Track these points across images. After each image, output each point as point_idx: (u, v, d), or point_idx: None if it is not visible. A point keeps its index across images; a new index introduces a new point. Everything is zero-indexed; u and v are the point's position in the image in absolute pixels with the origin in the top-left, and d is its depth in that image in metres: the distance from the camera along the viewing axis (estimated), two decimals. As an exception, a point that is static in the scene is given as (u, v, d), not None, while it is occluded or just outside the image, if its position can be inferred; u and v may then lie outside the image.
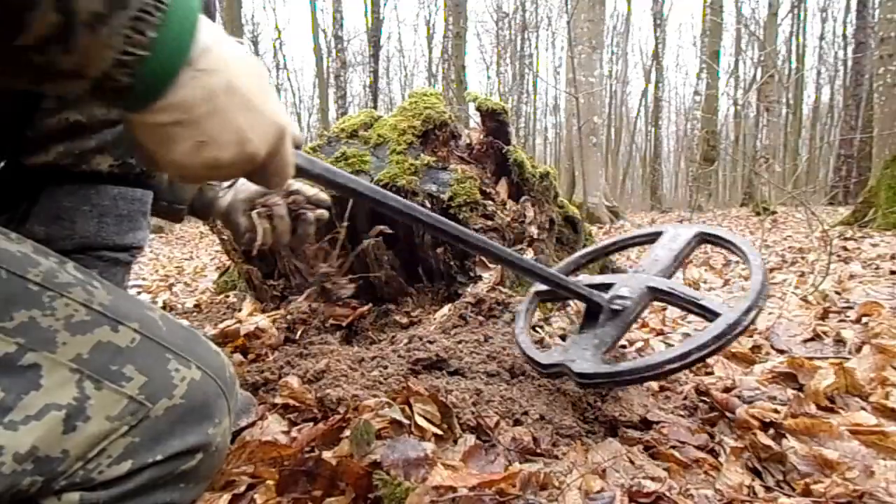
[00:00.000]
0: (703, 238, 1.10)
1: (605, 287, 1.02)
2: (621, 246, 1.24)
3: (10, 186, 0.65)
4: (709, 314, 0.88)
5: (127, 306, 0.58)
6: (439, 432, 0.80)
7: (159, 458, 0.54)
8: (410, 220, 0.77)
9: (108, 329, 0.54)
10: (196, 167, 0.49)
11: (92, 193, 0.70)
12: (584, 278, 1.07)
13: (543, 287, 1.10)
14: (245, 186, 1.06)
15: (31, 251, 0.56)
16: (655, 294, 0.98)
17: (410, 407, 0.83)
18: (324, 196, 1.11)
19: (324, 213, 1.10)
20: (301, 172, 0.63)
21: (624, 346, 1.25)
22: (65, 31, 0.37)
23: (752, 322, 0.85)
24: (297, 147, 0.61)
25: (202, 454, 0.58)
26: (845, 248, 3.10)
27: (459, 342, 1.20)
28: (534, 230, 1.67)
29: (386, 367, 1.06)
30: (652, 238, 1.16)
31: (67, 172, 0.67)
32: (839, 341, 1.26)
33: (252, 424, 0.84)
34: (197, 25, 0.44)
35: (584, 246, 2.07)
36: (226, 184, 1.06)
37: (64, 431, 0.49)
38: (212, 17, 0.75)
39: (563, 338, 1.20)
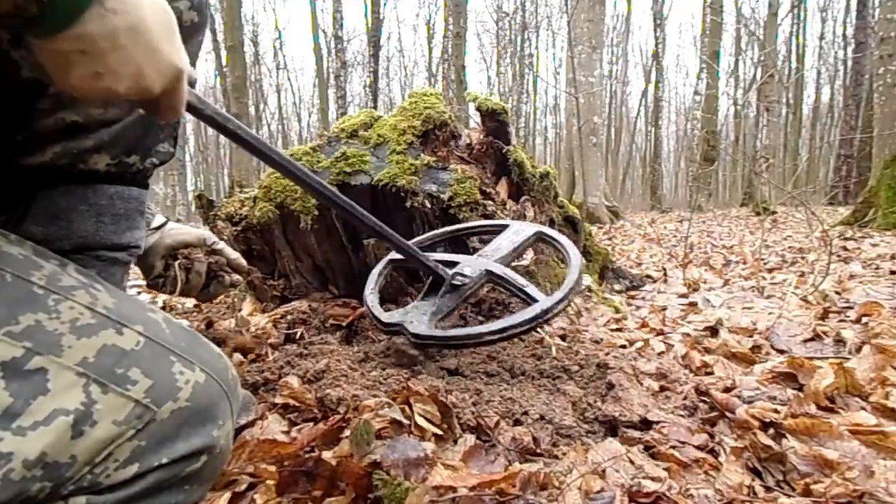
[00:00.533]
0: (540, 236, 1.29)
1: (451, 265, 1.16)
2: (471, 232, 1.41)
3: (7, 187, 0.65)
4: (529, 300, 1.05)
5: (130, 309, 0.58)
6: (439, 432, 0.80)
7: (165, 461, 0.54)
8: (289, 176, 0.84)
9: (112, 332, 0.54)
10: (91, 92, 0.51)
11: (89, 193, 0.70)
12: (434, 255, 1.21)
13: (398, 256, 1.25)
14: (172, 233, 1.10)
15: (33, 254, 0.56)
16: (491, 276, 1.13)
17: (410, 407, 0.83)
18: (243, 262, 1.18)
19: (238, 278, 1.18)
20: (192, 110, 0.67)
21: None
22: None
23: (562, 311, 1.03)
24: (192, 85, 0.65)
25: (207, 456, 0.58)
26: (845, 248, 3.10)
27: (459, 342, 1.20)
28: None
29: (385, 368, 1.06)
30: (498, 229, 1.33)
31: (64, 172, 0.67)
32: (839, 341, 1.26)
33: (252, 424, 0.84)
34: None
35: (585, 246, 2.07)
36: (154, 224, 1.09)
37: (72, 437, 0.49)
38: (204, 16, 0.76)
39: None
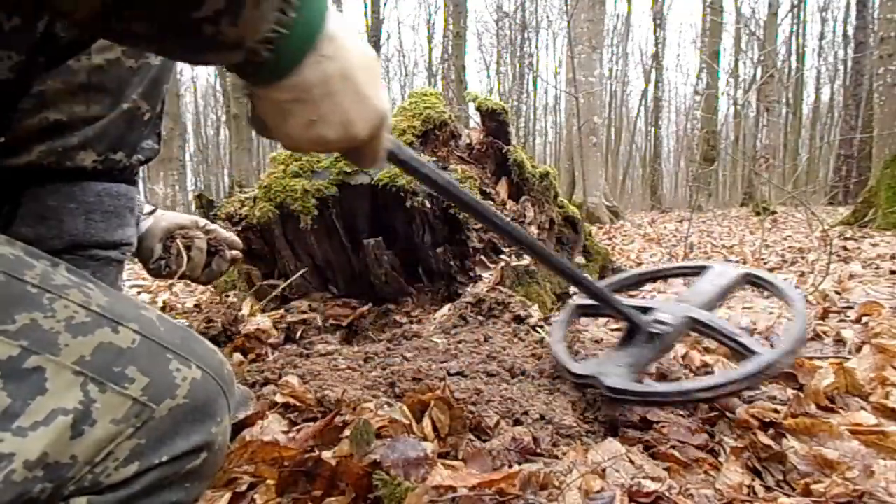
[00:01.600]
0: (749, 279, 1.14)
1: (645, 310, 1.04)
2: (667, 274, 1.31)
3: None
4: (746, 351, 0.91)
5: (123, 307, 0.58)
6: (442, 437, 0.80)
7: (165, 458, 0.54)
8: (484, 221, 0.80)
9: (108, 330, 0.54)
10: (304, 141, 0.53)
11: (76, 191, 0.70)
12: (625, 300, 1.09)
13: (585, 301, 1.14)
14: (166, 216, 1.11)
15: (24, 253, 0.56)
16: (695, 325, 1.00)
17: (422, 413, 0.82)
18: (237, 239, 1.17)
19: (238, 254, 1.16)
20: (391, 157, 0.67)
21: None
22: (236, 4, 0.40)
23: (788, 365, 0.88)
24: (389, 132, 0.65)
25: (206, 453, 0.58)
26: (845, 248, 3.10)
27: (459, 342, 1.20)
28: (534, 230, 1.67)
29: (386, 368, 1.06)
30: (698, 271, 1.21)
31: (51, 171, 0.67)
32: (839, 341, 1.26)
33: (252, 424, 0.84)
34: (327, 13, 0.48)
35: (584, 246, 2.07)
36: (147, 209, 1.10)
37: (72, 437, 0.49)
38: None
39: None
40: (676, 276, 1.32)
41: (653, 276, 1.32)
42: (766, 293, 1.14)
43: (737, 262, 2.99)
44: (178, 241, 1.07)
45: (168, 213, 1.13)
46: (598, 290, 0.98)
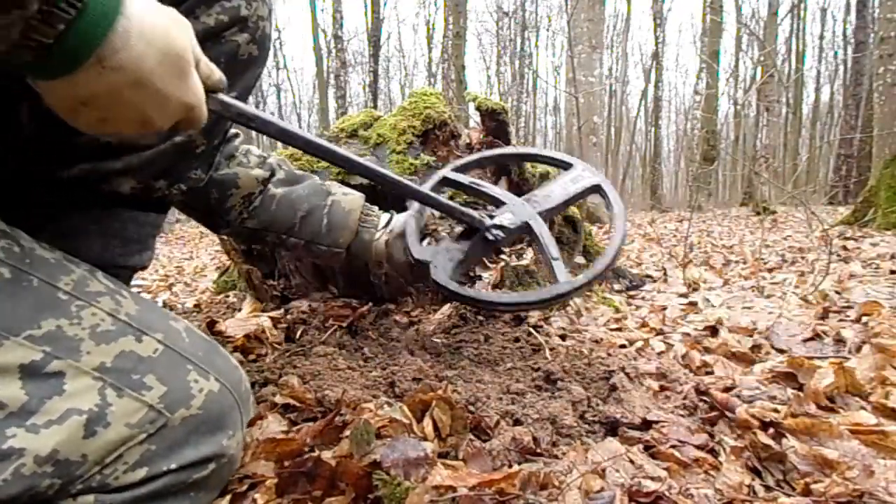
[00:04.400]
0: (597, 190, 1.12)
1: (499, 204, 1.07)
2: (531, 157, 1.30)
3: (25, 202, 0.65)
4: (553, 277, 0.98)
5: (152, 317, 0.59)
6: (447, 448, 0.80)
7: (174, 466, 0.55)
8: (315, 153, 0.81)
9: (132, 339, 0.56)
10: (100, 133, 0.52)
11: (102, 215, 0.70)
12: (486, 185, 1.12)
13: (450, 175, 1.16)
14: (397, 223, 1.15)
15: (63, 259, 0.57)
16: (529, 233, 1.03)
17: (422, 413, 0.82)
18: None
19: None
20: (220, 115, 0.66)
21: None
22: None
23: (579, 296, 0.91)
24: (219, 90, 0.63)
25: (215, 464, 0.59)
26: (845, 248, 3.10)
27: (459, 342, 1.20)
28: (534, 230, 1.67)
29: (386, 367, 1.06)
30: (562, 165, 1.20)
31: (87, 190, 0.67)
32: (839, 341, 1.26)
33: (252, 424, 0.84)
34: (110, 27, 0.45)
35: (584, 246, 2.07)
36: (380, 225, 1.16)
37: (84, 436, 0.50)
38: (265, 49, 0.76)
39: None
40: (540, 161, 1.31)
41: (512, 157, 1.30)
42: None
43: (736, 261, 2.99)
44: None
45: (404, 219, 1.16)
46: (430, 197, 0.97)
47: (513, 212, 1.04)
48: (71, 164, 0.64)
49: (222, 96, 0.64)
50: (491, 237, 1.00)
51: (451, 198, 1.12)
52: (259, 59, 0.76)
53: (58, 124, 0.61)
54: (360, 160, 0.86)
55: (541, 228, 1.02)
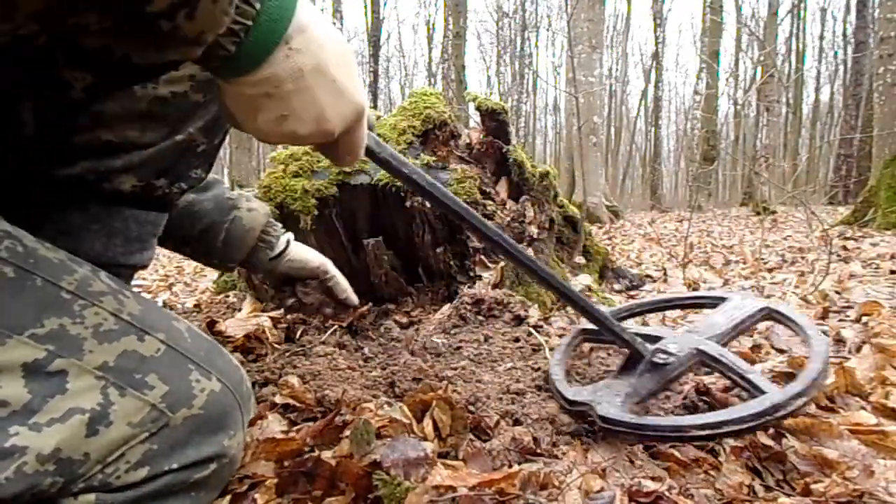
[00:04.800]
0: (770, 314, 1.05)
1: (654, 339, 0.99)
2: (681, 304, 1.24)
3: (26, 199, 0.65)
4: (754, 390, 0.84)
5: (155, 317, 0.60)
6: (446, 448, 0.80)
7: (175, 466, 0.55)
8: (466, 225, 0.79)
9: (134, 338, 0.56)
10: (275, 135, 0.52)
11: (103, 213, 0.70)
12: (633, 327, 1.05)
13: (590, 325, 1.06)
14: (291, 263, 1.20)
15: (67, 258, 0.57)
16: (703, 357, 0.94)
17: (422, 413, 0.82)
18: (353, 298, 1.30)
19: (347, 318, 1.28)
20: (369, 153, 0.64)
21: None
22: None
23: (799, 409, 0.79)
24: (370, 129, 0.62)
25: (216, 464, 0.59)
26: (845, 248, 3.10)
27: (460, 342, 1.20)
28: (534, 230, 1.67)
29: (386, 367, 1.06)
30: (715, 302, 1.13)
31: (88, 188, 0.67)
32: (839, 341, 1.26)
33: (252, 423, 0.84)
34: (296, 5, 0.46)
35: (584, 246, 2.07)
36: (277, 250, 1.17)
37: (87, 435, 0.50)
38: None
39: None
40: (691, 306, 1.23)
41: (666, 305, 1.23)
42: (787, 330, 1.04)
43: (736, 261, 2.99)
44: (289, 299, 1.25)
45: (296, 255, 1.22)
46: (597, 313, 0.92)
47: (675, 342, 0.97)
48: (72, 163, 0.64)
49: (375, 137, 0.64)
50: (660, 361, 0.92)
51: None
52: None
53: (59, 123, 0.61)
54: (520, 252, 0.84)
55: (718, 350, 0.94)
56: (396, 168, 0.70)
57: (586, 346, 1.20)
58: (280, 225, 1.21)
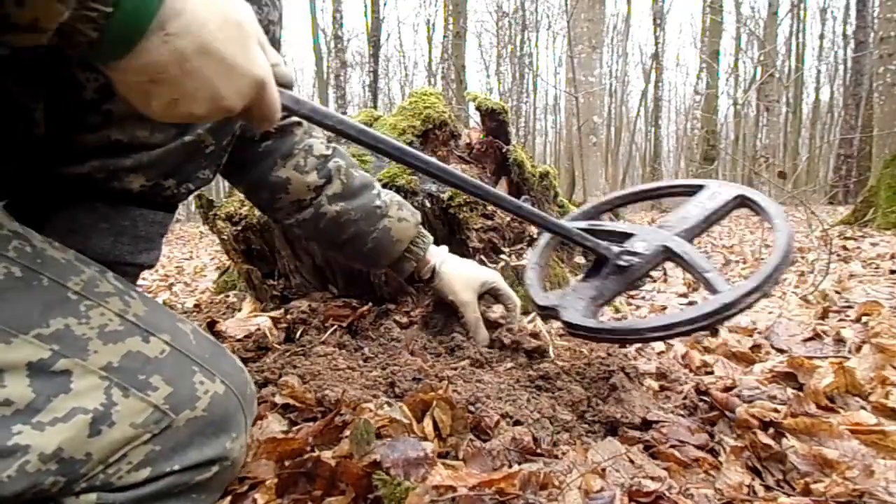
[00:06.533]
0: (743, 202, 1.01)
1: (625, 237, 0.98)
2: (656, 194, 1.19)
3: (35, 197, 0.65)
4: (709, 289, 0.84)
5: (160, 318, 0.60)
6: (447, 448, 0.80)
7: (177, 467, 0.55)
8: (402, 162, 0.78)
9: (139, 339, 0.56)
10: (171, 118, 0.50)
11: (112, 212, 0.70)
12: (608, 224, 1.04)
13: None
14: (449, 283, 1.17)
15: (74, 259, 0.57)
16: (669, 255, 0.93)
17: (422, 413, 0.82)
18: (515, 310, 1.20)
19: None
20: (289, 111, 0.63)
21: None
22: None
23: (750, 306, 0.79)
24: (287, 86, 0.61)
25: (218, 467, 0.59)
26: (845, 248, 3.10)
27: (460, 342, 1.20)
28: (534, 229, 1.67)
29: (386, 367, 1.06)
30: (691, 191, 1.09)
31: (97, 187, 0.67)
32: (839, 341, 1.26)
33: (252, 423, 0.84)
34: None
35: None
36: (431, 264, 1.18)
37: (89, 435, 0.50)
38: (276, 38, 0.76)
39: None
40: (668, 195, 1.20)
41: (643, 195, 1.20)
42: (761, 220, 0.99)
43: (736, 261, 2.99)
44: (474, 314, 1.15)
45: (453, 273, 1.17)
46: (555, 226, 0.91)
47: (644, 239, 0.95)
48: (81, 162, 0.64)
49: (294, 93, 0.62)
50: (624, 263, 0.92)
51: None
52: (279, 18, 0.76)
53: (69, 123, 0.62)
54: (465, 179, 0.81)
55: (683, 247, 0.92)
56: (319, 120, 0.68)
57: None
58: (430, 237, 1.19)
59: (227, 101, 0.50)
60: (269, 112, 0.56)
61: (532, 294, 0.95)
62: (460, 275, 1.17)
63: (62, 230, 0.65)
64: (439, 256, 1.19)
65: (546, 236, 1.13)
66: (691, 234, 0.96)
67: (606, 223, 1.08)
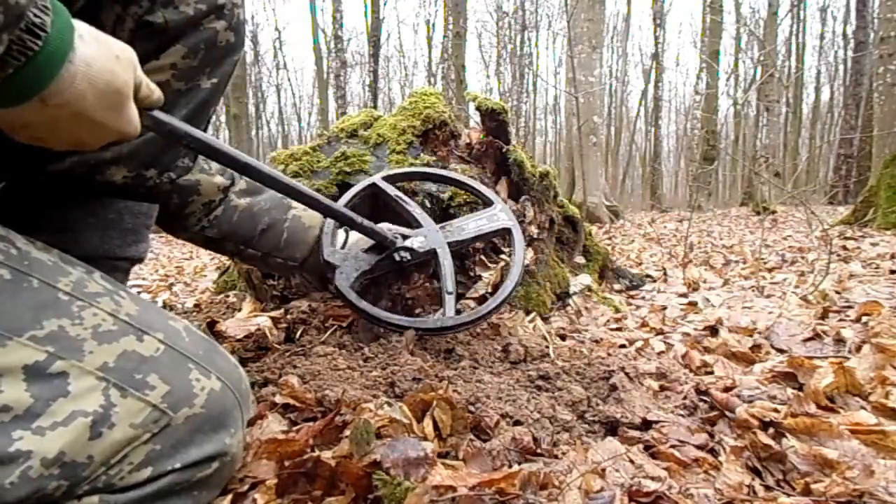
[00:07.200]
0: (506, 234, 1.21)
1: (414, 225, 1.12)
2: (457, 184, 1.33)
3: (21, 197, 0.66)
4: (442, 307, 1.02)
5: (152, 317, 0.60)
6: (447, 448, 0.80)
7: (178, 465, 0.55)
8: (239, 169, 0.83)
9: (133, 339, 0.56)
10: (35, 144, 0.56)
11: (98, 206, 0.71)
12: (410, 204, 1.16)
13: (380, 182, 1.23)
14: (353, 246, 1.16)
15: (60, 260, 0.57)
16: (433, 258, 1.08)
17: (422, 413, 0.82)
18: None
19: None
20: (153, 129, 0.69)
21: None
22: None
23: (463, 326, 1.02)
24: (156, 107, 0.67)
25: (218, 463, 0.59)
26: (845, 248, 3.10)
27: (460, 342, 1.20)
28: (534, 230, 1.67)
29: (386, 367, 1.05)
30: (484, 200, 1.26)
31: (81, 182, 0.68)
32: (839, 341, 1.26)
33: (252, 423, 0.84)
34: (56, 74, 0.49)
35: (584, 246, 2.07)
36: (339, 244, 1.17)
37: (90, 438, 0.50)
38: (241, 36, 0.78)
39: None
40: (461, 188, 1.34)
41: (439, 178, 1.34)
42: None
43: (736, 261, 2.99)
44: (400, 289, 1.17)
45: (357, 240, 1.18)
46: (340, 213, 1.00)
47: (426, 236, 1.09)
48: (60, 159, 0.65)
49: (157, 113, 0.67)
50: (398, 258, 1.06)
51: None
52: (236, 46, 0.78)
53: None
54: (280, 177, 0.89)
55: (444, 259, 1.07)
56: (177, 135, 0.72)
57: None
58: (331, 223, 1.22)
59: (87, 145, 0.58)
60: (126, 136, 0.62)
61: (323, 245, 1.09)
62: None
63: (52, 228, 0.65)
64: (342, 234, 1.23)
65: (355, 189, 1.23)
66: (459, 247, 1.14)
67: (410, 202, 1.21)
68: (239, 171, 0.83)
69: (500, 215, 1.21)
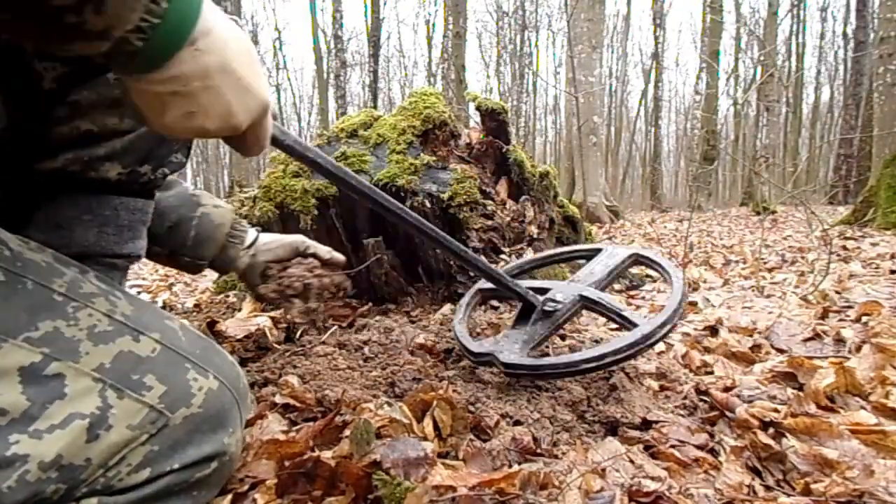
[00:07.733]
0: (637, 259, 1.22)
1: (543, 291, 1.12)
2: (564, 258, 1.36)
3: (16, 194, 0.66)
4: (628, 324, 0.98)
5: (148, 317, 0.59)
6: (443, 437, 0.80)
7: (176, 466, 0.55)
8: (374, 205, 0.84)
9: (129, 339, 0.56)
10: (183, 131, 0.52)
11: (94, 203, 0.70)
12: (523, 283, 1.16)
13: (487, 285, 1.23)
14: (264, 250, 1.14)
15: (54, 261, 0.57)
16: (585, 302, 1.07)
17: (422, 413, 0.82)
18: (337, 256, 1.18)
19: (344, 280, 1.18)
20: (274, 142, 0.68)
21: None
22: None
23: (665, 335, 0.95)
24: (274, 118, 0.65)
25: (217, 462, 0.59)
26: (845, 248, 3.10)
27: (459, 342, 1.20)
28: (533, 230, 1.67)
29: (386, 367, 1.06)
30: (591, 254, 1.28)
31: (75, 179, 0.67)
32: (839, 341, 1.26)
33: (252, 423, 0.84)
34: (201, 7, 0.47)
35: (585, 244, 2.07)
36: (247, 242, 1.14)
37: (87, 440, 0.50)
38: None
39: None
40: (572, 258, 1.37)
41: (550, 261, 1.37)
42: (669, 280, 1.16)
43: (736, 261, 2.99)
44: (272, 286, 1.12)
45: (268, 242, 1.16)
46: (496, 273, 1.03)
47: (561, 291, 1.09)
48: (53, 156, 0.65)
49: (279, 125, 0.67)
50: (549, 308, 1.05)
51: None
52: None
53: (34, 115, 0.62)
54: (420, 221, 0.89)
55: (597, 295, 1.07)
56: (300, 153, 0.73)
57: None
58: (245, 221, 1.19)
59: (237, 118, 0.53)
60: (263, 137, 0.60)
61: (466, 344, 1.05)
62: (276, 240, 1.18)
63: (48, 226, 0.65)
64: (253, 234, 1.18)
65: (468, 296, 1.25)
66: (601, 286, 1.13)
67: (528, 281, 1.22)
68: (364, 199, 0.83)
69: (616, 251, 1.24)
